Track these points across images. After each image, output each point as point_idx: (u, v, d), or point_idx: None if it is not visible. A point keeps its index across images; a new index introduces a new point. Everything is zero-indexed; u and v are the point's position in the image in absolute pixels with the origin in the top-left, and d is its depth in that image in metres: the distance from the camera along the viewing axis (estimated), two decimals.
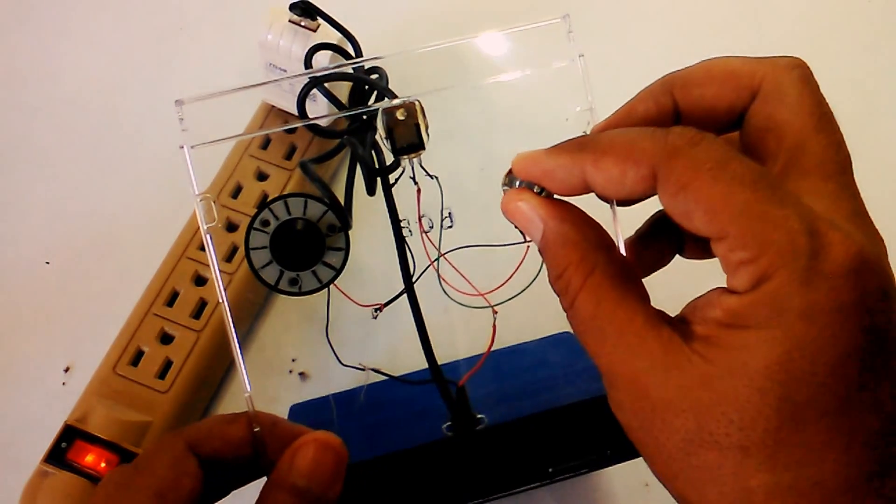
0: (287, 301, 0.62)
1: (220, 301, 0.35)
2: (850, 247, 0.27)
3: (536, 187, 0.34)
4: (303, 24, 0.56)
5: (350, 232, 0.40)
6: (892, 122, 0.71)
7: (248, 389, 0.35)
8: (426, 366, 0.43)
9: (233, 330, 0.36)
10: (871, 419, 0.27)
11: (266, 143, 0.62)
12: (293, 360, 0.60)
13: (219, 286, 0.36)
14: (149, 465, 0.33)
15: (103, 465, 0.50)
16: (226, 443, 0.34)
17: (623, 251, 0.34)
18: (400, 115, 0.35)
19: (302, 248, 0.38)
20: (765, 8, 0.77)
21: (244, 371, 0.35)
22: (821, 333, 0.26)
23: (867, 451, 0.27)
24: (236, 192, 0.61)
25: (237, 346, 0.35)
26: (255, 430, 0.35)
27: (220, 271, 0.57)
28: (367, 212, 0.44)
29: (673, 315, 0.32)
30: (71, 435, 0.51)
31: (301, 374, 0.60)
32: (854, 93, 0.72)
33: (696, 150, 0.29)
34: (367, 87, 0.44)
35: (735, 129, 0.35)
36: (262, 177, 0.62)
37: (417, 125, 0.36)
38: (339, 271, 0.39)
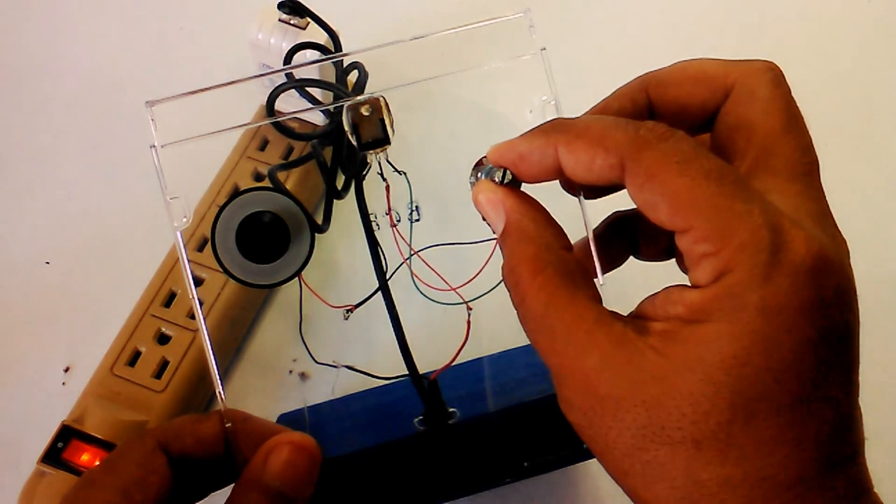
0: (287, 301, 0.62)
1: (191, 297, 0.36)
2: (811, 245, 0.27)
3: (499, 175, 0.34)
4: (292, 22, 0.56)
5: (329, 233, 0.40)
6: (892, 123, 0.70)
7: (220, 385, 0.36)
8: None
9: (202, 323, 0.37)
10: (823, 416, 0.27)
11: (264, 145, 0.62)
12: (294, 361, 0.60)
13: (188, 280, 0.36)
14: (117, 463, 0.33)
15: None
16: (197, 440, 0.34)
17: (593, 246, 0.35)
18: (365, 111, 0.36)
19: (267, 240, 0.38)
20: (750, 7, 0.76)
21: (215, 365, 0.36)
22: (778, 329, 0.27)
23: (818, 447, 0.27)
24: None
25: (206, 337, 0.36)
26: (227, 425, 0.35)
27: (211, 269, 0.58)
28: (345, 213, 0.44)
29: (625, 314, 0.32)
30: (67, 435, 0.51)
31: (301, 374, 0.59)
32: (854, 94, 0.71)
33: (664, 145, 0.29)
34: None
35: (707, 129, 0.35)
36: (259, 178, 0.62)
37: (382, 120, 0.36)
38: (303, 265, 0.39)
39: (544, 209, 0.34)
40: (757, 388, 0.27)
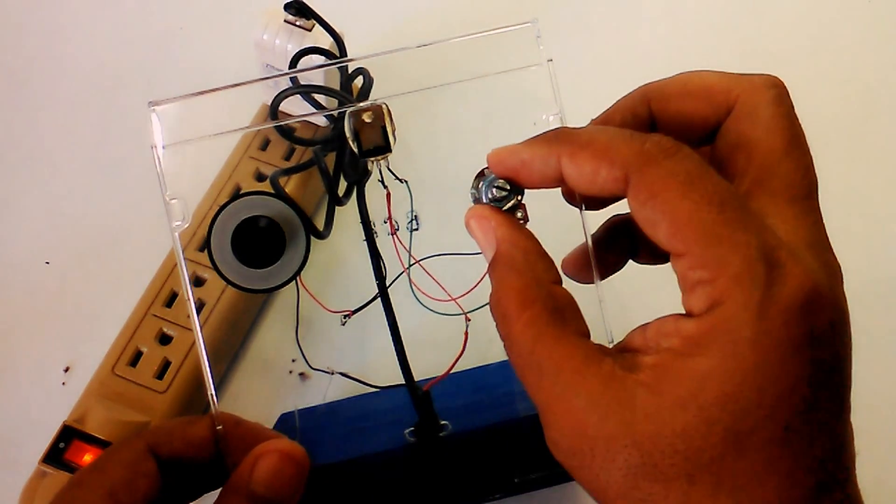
0: (288, 302, 0.62)
1: (187, 299, 0.36)
2: (805, 280, 0.27)
3: (497, 192, 0.34)
4: (298, 23, 0.56)
5: (330, 237, 0.40)
6: (892, 123, 0.70)
7: (212, 388, 0.36)
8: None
9: (197, 324, 0.36)
10: (815, 443, 0.27)
11: (265, 145, 0.62)
12: (293, 361, 0.60)
13: (185, 281, 0.36)
14: (104, 465, 0.33)
15: None
16: (187, 443, 0.34)
17: (592, 258, 0.34)
18: (367, 118, 0.35)
19: (263, 245, 0.38)
20: (751, 12, 0.76)
21: (208, 367, 0.36)
22: (771, 365, 0.27)
23: (810, 474, 0.27)
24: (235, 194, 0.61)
25: (200, 338, 0.36)
26: (218, 427, 0.35)
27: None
28: (347, 218, 0.45)
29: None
30: (69, 435, 0.51)
31: (301, 374, 0.59)
32: (854, 94, 0.71)
33: (670, 161, 0.29)
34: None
35: (708, 143, 0.35)
36: (261, 178, 0.62)
37: (384, 127, 0.35)
38: (298, 270, 0.39)
39: (536, 240, 0.33)
40: (748, 423, 0.27)
